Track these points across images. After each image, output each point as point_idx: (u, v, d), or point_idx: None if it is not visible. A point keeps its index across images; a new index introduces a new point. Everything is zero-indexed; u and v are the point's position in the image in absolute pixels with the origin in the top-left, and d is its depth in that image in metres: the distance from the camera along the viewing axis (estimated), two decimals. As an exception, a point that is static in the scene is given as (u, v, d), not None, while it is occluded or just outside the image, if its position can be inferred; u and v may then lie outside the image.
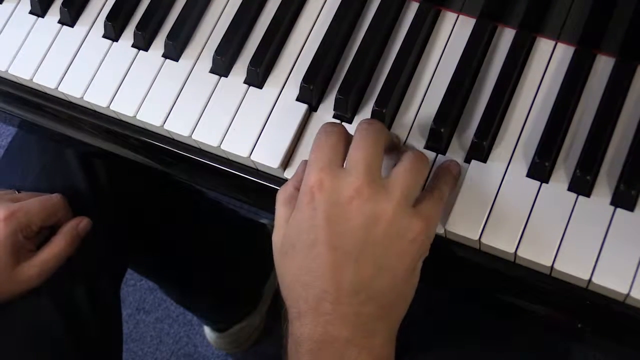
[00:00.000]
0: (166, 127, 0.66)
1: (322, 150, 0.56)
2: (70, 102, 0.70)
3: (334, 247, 0.53)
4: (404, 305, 0.56)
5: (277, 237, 0.58)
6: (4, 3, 0.73)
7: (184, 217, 1.06)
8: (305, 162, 0.59)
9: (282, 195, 0.59)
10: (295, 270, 0.55)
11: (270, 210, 0.60)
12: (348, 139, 0.57)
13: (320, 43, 0.65)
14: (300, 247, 0.54)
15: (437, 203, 0.56)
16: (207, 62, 0.67)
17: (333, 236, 0.53)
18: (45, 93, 0.71)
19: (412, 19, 0.65)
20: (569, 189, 0.58)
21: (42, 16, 0.72)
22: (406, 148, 0.61)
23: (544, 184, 0.59)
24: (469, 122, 0.62)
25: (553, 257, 0.56)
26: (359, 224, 0.53)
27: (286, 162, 0.63)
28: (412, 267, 0.55)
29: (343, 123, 0.63)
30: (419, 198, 0.56)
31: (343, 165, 0.56)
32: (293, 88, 0.65)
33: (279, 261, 0.57)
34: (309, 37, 0.67)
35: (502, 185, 0.59)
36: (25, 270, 0.73)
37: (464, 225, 0.58)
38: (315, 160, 0.56)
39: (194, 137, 0.65)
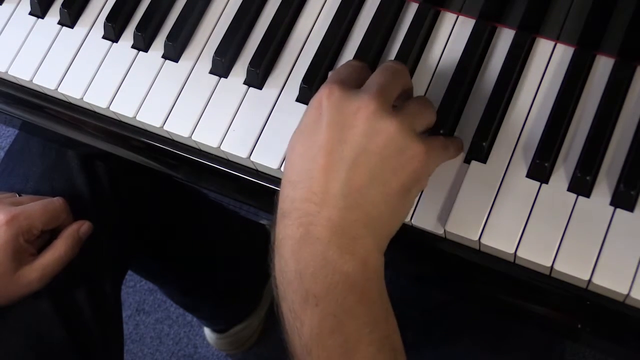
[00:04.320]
0: (166, 128, 0.66)
1: (343, 68, 0.58)
2: (71, 103, 0.70)
3: (331, 151, 0.53)
4: (394, 223, 0.55)
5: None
6: (3, 4, 0.73)
7: (184, 218, 1.06)
8: None
9: None
10: (290, 170, 0.55)
11: (270, 211, 0.60)
12: (370, 73, 0.58)
13: (320, 43, 0.66)
14: (299, 148, 0.55)
15: (442, 147, 0.57)
16: (206, 63, 0.67)
17: (332, 141, 0.53)
18: (46, 94, 0.71)
19: (411, 19, 0.65)
20: (569, 189, 0.58)
21: (42, 17, 0.72)
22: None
23: (543, 185, 0.59)
24: (468, 122, 0.62)
25: (553, 257, 0.56)
26: (360, 132, 0.53)
27: (286, 163, 0.63)
28: (406, 186, 0.54)
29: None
30: (427, 136, 0.57)
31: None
32: (293, 89, 0.65)
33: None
34: (309, 38, 0.67)
35: (502, 186, 0.59)
36: (27, 274, 0.73)
37: (463, 225, 0.58)
38: (332, 75, 0.57)
39: (193, 138, 0.65)
